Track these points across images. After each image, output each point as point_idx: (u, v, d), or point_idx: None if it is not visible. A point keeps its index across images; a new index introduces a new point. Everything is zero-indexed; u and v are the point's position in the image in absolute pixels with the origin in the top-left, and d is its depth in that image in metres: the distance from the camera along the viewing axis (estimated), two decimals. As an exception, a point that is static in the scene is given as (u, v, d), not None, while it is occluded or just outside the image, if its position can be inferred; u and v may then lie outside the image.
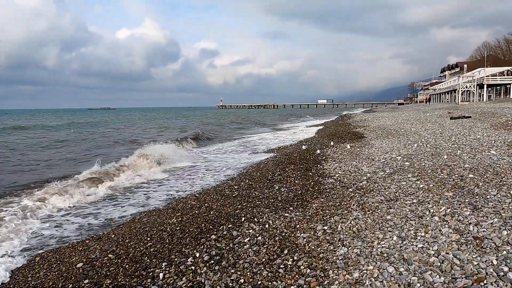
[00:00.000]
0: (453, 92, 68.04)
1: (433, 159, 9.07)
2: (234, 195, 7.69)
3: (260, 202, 6.87)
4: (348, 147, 13.41)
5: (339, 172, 9.29)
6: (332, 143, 15.36)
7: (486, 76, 56.23)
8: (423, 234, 4.51)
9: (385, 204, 5.92)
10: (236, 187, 8.44)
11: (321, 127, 29.35)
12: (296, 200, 6.93)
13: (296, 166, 10.60)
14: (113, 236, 5.72)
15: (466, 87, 58.29)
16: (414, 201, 5.92)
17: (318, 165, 10.65)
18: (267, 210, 6.32)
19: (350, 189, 7.31)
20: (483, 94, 56.35)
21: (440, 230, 4.52)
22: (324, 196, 7.04)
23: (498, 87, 60.87)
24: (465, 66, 77.12)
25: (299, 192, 7.53)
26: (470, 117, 21.20)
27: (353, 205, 6.09)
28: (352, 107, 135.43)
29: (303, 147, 14.35)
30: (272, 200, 6.99)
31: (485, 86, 55.42)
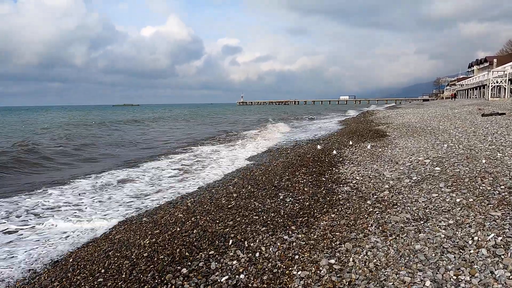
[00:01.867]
0: (481, 87, 64.74)
1: (469, 164, 7.65)
2: (230, 205, 6.53)
3: (257, 217, 5.69)
4: (369, 147, 12.04)
5: (357, 178, 8.00)
6: (351, 142, 14.00)
7: (519, 71, 52.97)
8: (467, 278, 3.23)
9: (413, 226, 4.64)
10: (235, 195, 7.28)
11: (340, 125, 27.86)
12: (302, 214, 5.71)
13: (308, 169, 9.35)
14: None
15: (497, 82, 55.18)
16: (451, 222, 4.61)
17: (333, 168, 9.38)
18: (263, 229, 5.13)
19: (369, 202, 6.03)
20: (515, 90, 53.16)
21: (492, 273, 3.24)
22: (336, 210, 5.79)
23: (531, 82, 57.37)
24: (495, 60, 73.38)
25: (307, 203, 6.30)
26: (504, 114, 19.35)
27: (371, 225, 4.83)
28: (375, 104, 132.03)
29: (318, 146, 13.04)
30: (272, 215, 5.79)
31: (517, 81, 52.24)
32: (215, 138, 22.54)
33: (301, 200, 6.53)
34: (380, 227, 4.69)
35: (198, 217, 5.92)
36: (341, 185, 7.53)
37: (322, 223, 5.17)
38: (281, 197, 6.80)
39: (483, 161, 7.75)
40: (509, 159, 7.78)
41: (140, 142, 21.86)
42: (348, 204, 6.01)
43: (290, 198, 6.70)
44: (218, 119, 48.32)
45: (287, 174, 8.90)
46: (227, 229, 5.16)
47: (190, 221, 5.69)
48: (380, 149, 11.60)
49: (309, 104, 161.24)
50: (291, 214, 5.78)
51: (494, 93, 55.91)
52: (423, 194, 5.96)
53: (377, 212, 5.34)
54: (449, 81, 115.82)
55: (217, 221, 5.56)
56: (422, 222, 4.74)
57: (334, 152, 11.57)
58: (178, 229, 5.35)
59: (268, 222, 5.43)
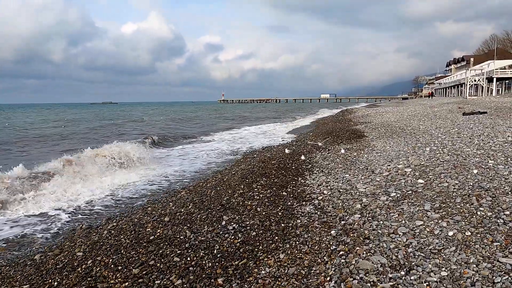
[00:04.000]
0: (459, 86, 64.78)
1: (458, 175, 6.28)
2: (154, 236, 4.95)
3: (179, 259, 4.13)
4: (343, 151, 10.64)
5: (324, 192, 6.55)
6: (321, 144, 12.58)
7: (496, 69, 52.96)
8: None
9: (389, 282, 3.17)
10: (166, 219, 5.69)
11: (316, 124, 26.54)
12: (241, 254, 4.19)
13: (269, 179, 7.85)
14: None
15: (475, 80, 55.06)
16: (444, 273, 3.17)
17: (299, 178, 7.91)
18: (178, 282, 3.58)
19: (333, 231, 4.56)
20: (492, 88, 53.15)
21: None
22: (288, 245, 4.29)
23: (507, 81, 57.64)
24: (472, 59, 73.64)
25: (254, 233, 4.79)
26: (485, 112, 18.34)
27: (330, 279, 3.35)
28: (356, 102, 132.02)
29: (286, 150, 11.56)
30: (202, 253, 4.25)
31: (494, 79, 52.18)
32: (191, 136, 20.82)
33: (248, 228, 5.00)
34: (343, 285, 3.20)
35: (101, 257, 4.31)
36: (303, 203, 6.05)
37: (263, 272, 3.66)
38: (224, 223, 5.25)
39: (475, 171, 6.39)
40: (504, 168, 6.45)
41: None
42: (306, 236, 4.52)
43: (235, 225, 5.16)
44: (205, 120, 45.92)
45: (242, 186, 7.37)
46: (126, 284, 3.59)
47: (80, 269, 4.06)
48: (355, 153, 10.21)
49: (290, 102, 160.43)
50: (227, 252, 4.24)
51: (471, 92, 55.82)
52: (403, 221, 4.52)
53: (341, 254, 3.85)
54: (428, 79, 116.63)
55: (118, 268, 3.96)
56: (402, 273, 3.28)
57: (303, 157, 10.11)
58: None
59: (191, 268, 3.88)
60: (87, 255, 4.47)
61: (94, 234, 5.47)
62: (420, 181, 6.23)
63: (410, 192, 5.70)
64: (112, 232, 5.42)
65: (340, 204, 5.75)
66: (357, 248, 3.92)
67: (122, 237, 5.11)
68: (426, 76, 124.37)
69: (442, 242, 3.78)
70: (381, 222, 4.62)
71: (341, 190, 6.56)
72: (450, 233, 3.94)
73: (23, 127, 32.51)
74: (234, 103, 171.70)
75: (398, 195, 5.65)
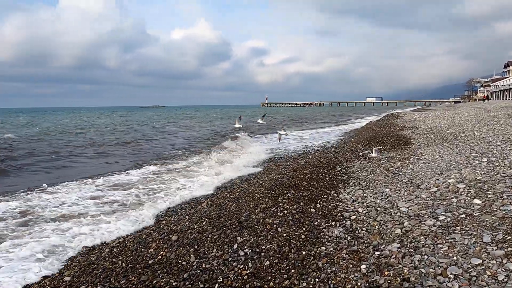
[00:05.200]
0: (520, 88, 59.90)
1: (526, 195, 5.13)
2: (154, 260, 4.31)
3: (172, 294, 3.45)
4: (374, 154, 9.56)
5: (359, 210, 5.63)
6: (362, 153, 11.51)
7: None
8: None
9: None
10: (174, 238, 5.05)
11: (360, 128, 25.11)
12: (247, 291, 3.43)
13: (298, 192, 7.02)
14: None
15: (538, 82, 50.52)
16: None
17: (332, 192, 7.01)
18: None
19: (364, 266, 3.68)
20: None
21: None
22: (305, 285, 3.48)
23: None
24: (535, 59, 68.05)
25: (267, 262, 4.01)
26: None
27: None
28: (403, 106, 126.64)
29: (322, 159, 10.64)
30: (201, 287, 3.54)
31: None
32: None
33: (262, 255, 4.23)
34: None
35: None
36: (333, 223, 5.18)
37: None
38: (235, 247, 4.51)
39: (548, 190, 5.21)
40: None
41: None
42: (329, 271, 3.68)
43: (248, 249, 4.41)
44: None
45: (266, 199, 6.60)
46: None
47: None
48: (399, 163, 9.11)
49: (335, 106, 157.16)
50: (231, 288, 3.50)
51: (534, 94, 51.28)
52: (455, 257, 3.55)
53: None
54: (483, 82, 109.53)
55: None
56: None
57: (338, 168, 9.15)
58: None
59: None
60: (74, 281, 3.90)
61: (95, 251, 4.93)
62: (477, 201, 5.15)
63: (463, 215, 4.66)
64: (114, 251, 4.86)
65: (377, 227, 4.82)
66: (393, 294, 3.03)
67: (120, 258, 4.53)
68: (481, 79, 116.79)
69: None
70: (426, 257, 3.67)
71: (379, 208, 5.61)
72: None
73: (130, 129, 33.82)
74: (277, 106, 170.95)
75: (449, 219, 4.63)
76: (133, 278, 3.87)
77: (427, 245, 3.94)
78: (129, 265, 4.21)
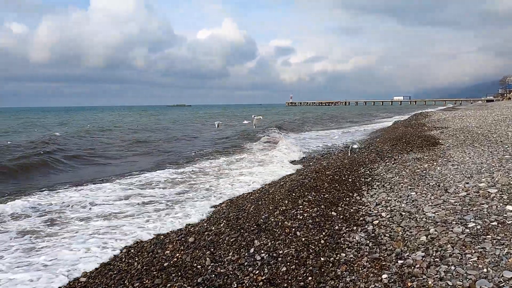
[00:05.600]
0: (558, 86, 56.94)
1: None
2: (169, 262, 4.26)
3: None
4: (411, 161, 9.23)
5: (382, 215, 5.40)
6: (388, 153, 11.16)
7: None
8: None
9: None
10: (191, 239, 4.98)
11: (386, 128, 24.49)
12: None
13: (319, 194, 6.84)
14: None
15: None
16: None
17: (355, 194, 6.80)
18: None
19: (385, 276, 3.49)
20: None
21: None
22: (322, 292, 3.32)
23: None
24: None
25: (284, 269, 3.87)
26: None
27: None
28: (432, 105, 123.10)
29: (345, 160, 10.38)
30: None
31: None
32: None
33: (279, 260, 4.09)
34: None
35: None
36: (354, 228, 4.99)
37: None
38: (252, 251, 4.39)
39: None
40: None
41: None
42: (348, 279, 3.50)
43: (265, 254, 4.28)
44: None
45: (286, 201, 6.46)
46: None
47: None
48: (426, 165, 8.76)
49: (360, 105, 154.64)
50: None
51: None
52: (485, 269, 3.31)
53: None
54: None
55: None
56: None
57: (362, 169, 8.89)
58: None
59: (191, 317, 3.09)
60: (89, 282, 3.89)
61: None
62: (510, 208, 4.83)
63: (495, 223, 4.38)
64: (131, 252, 4.84)
65: (400, 233, 4.60)
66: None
67: (136, 259, 4.50)
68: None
69: (547, 314, 2.56)
70: (453, 267, 3.44)
71: (403, 213, 5.36)
72: (560, 300, 2.69)
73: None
74: (302, 105, 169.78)
75: (479, 226, 4.36)
76: (147, 281, 3.82)
77: (454, 255, 3.70)
78: (144, 267, 4.17)
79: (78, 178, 11.12)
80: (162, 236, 5.37)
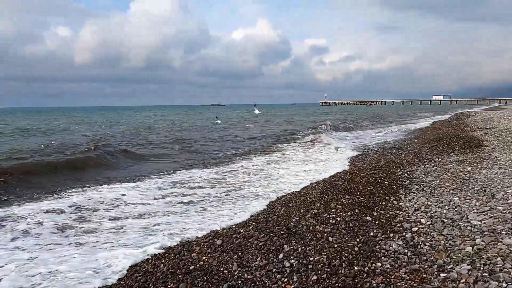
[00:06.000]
0: None
1: None
2: (196, 265, 4.13)
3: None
4: (453, 163, 8.70)
5: (422, 221, 5.04)
6: (427, 154, 10.59)
7: None
8: None
9: None
10: (218, 242, 4.84)
11: (425, 128, 23.48)
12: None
13: (353, 197, 6.53)
14: None
15: None
16: None
17: (392, 198, 6.42)
18: None
19: (427, 291, 3.18)
20: None
21: None
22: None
23: None
24: None
25: (314, 278, 3.63)
26: None
27: None
28: (475, 104, 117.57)
29: (381, 162, 9.94)
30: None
31: None
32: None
33: (310, 267, 3.86)
34: None
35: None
36: (391, 235, 4.67)
37: None
38: (281, 256, 4.19)
39: None
40: None
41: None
42: (384, 293, 3.22)
43: (294, 260, 4.06)
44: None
45: (318, 204, 6.20)
46: None
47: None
48: (469, 168, 8.22)
49: (397, 105, 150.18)
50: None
51: None
52: (543, 288, 2.93)
53: None
54: None
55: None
56: None
57: (399, 171, 8.45)
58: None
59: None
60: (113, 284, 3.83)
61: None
62: None
63: (551, 234, 3.94)
64: (158, 252, 4.77)
65: (442, 242, 4.24)
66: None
67: (163, 261, 4.41)
68: None
69: None
70: (504, 284, 3.08)
71: (445, 220, 4.98)
72: None
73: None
74: (336, 105, 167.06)
75: (532, 237, 3.93)
76: (171, 284, 3.70)
77: (505, 270, 3.34)
78: (170, 270, 4.06)
79: (131, 174, 11.44)
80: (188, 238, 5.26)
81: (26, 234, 5.75)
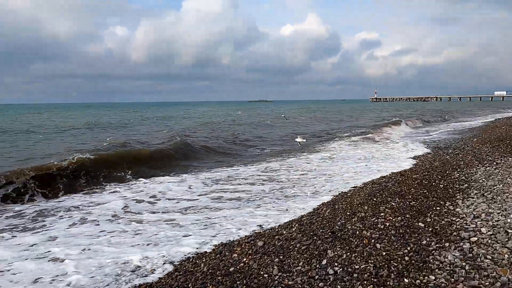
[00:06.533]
0: None
1: None
2: (235, 268, 4.04)
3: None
4: (298, 139, 7.94)
5: (482, 231, 4.60)
6: (488, 156, 9.79)
7: None
8: None
9: None
10: (260, 242, 4.71)
11: (485, 127, 21.88)
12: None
13: (404, 201, 6.14)
14: None
15: None
16: None
17: (447, 203, 5.96)
18: None
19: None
20: None
21: None
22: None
23: None
24: None
25: (359, 287, 3.40)
26: None
27: None
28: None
29: (436, 163, 9.31)
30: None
31: None
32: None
33: (355, 277, 3.62)
34: None
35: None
36: (446, 245, 4.29)
37: None
38: (325, 262, 3.98)
39: None
40: None
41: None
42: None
43: (338, 267, 3.84)
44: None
45: (366, 207, 5.89)
46: None
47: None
48: (537, 171, 7.46)
49: (454, 101, 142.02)
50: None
51: None
52: None
53: None
54: None
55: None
56: None
57: (456, 174, 7.86)
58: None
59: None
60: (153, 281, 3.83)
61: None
62: None
63: None
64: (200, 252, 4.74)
65: (506, 256, 3.82)
66: None
67: (204, 260, 4.37)
68: None
69: None
70: None
71: (509, 230, 4.50)
72: None
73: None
74: (388, 101, 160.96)
75: None
76: (210, 286, 3.63)
77: None
78: (210, 270, 4.00)
79: (206, 166, 12.11)
80: (231, 238, 5.19)
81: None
